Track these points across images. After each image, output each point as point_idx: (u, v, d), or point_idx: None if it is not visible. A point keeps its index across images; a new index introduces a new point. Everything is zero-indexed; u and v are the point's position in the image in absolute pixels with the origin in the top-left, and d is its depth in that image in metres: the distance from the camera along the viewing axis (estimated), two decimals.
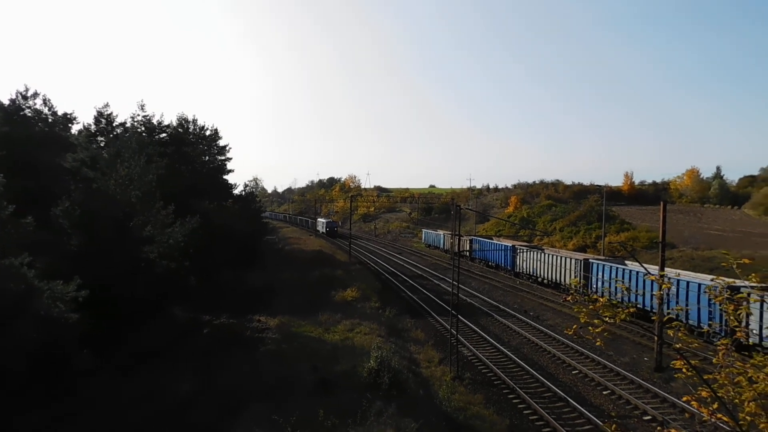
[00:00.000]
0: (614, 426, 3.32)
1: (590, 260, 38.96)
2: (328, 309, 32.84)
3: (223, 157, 51.43)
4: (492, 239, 65.07)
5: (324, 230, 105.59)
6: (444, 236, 74.91)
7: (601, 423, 17.83)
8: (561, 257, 42.86)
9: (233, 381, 21.11)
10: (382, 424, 15.54)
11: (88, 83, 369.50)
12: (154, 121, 42.50)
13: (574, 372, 24.06)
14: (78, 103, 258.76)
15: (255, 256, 51.14)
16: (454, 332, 24.61)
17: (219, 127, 60.47)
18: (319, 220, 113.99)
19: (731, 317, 4.80)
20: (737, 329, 4.68)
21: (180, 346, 26.29)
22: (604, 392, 21.55)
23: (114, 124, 39.26)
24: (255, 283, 42.04)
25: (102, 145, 36.95)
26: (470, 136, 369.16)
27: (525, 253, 49.07)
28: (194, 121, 47.90)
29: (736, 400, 4.38)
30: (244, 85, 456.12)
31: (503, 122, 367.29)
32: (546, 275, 44.46)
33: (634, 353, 26.57)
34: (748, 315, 4.98)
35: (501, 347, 27.22)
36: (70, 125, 35.42)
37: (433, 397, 20.39)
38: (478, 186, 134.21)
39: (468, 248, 60.76)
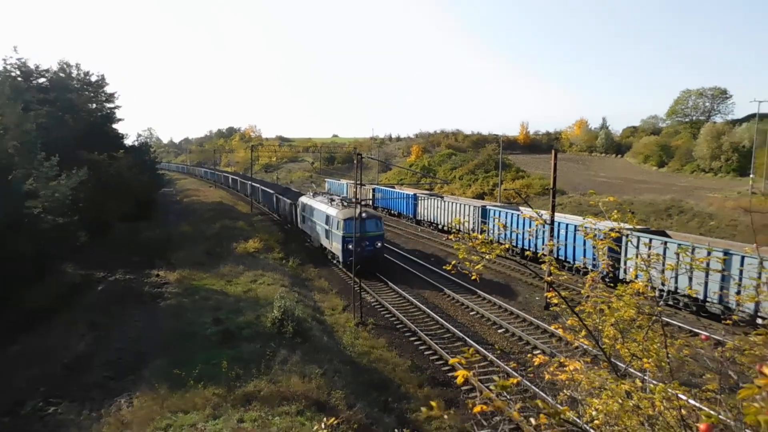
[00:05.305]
0: (471, 350, 3.61)
1: (487, 207, 40.67)
2: (230, 261, 32.36)
3: (111, 105, 48.41)
4: (394, 188, 66.03)
5: (341, 252, 32.64)
6: (347, 186, 75.11)
7: (495, 359, 18.98)
8: (460, 204, 44.34)
9: (132, 338, 20.51)
10: (287, 372, 15.73)
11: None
12: (31, 65, 39.08)
13: (472, 313, 25.33)
14: None
15: (151, 209, 49.22)
16: (357, 280, 25.08)
17: (106, 73, 56.43)
18: (321, 207, 37.46)
19: (599, 253, 5.32)
20: (603, 262, 5.19)
21: (73, 304, 25.04)
22: (499, 330, 22.92)
23: None
24: (152, 237, 40.48)
25: None
26: (373, 84, 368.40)
27: (426, 201, 50.26)
28: (77, 66, 44.53)
29: (600, 327, 4.89)
30: (135, 29, 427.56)
31: (405, 72, 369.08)
32: (447, 222, 45.90)
33: (526, 293, 28.29)
34: (620, 252, 5.50)
35: (403, 293, 28.05)
36: None
37: (338, 343, 20.85)
38: (381, 136, 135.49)
39: (371, 197, 61.36)
